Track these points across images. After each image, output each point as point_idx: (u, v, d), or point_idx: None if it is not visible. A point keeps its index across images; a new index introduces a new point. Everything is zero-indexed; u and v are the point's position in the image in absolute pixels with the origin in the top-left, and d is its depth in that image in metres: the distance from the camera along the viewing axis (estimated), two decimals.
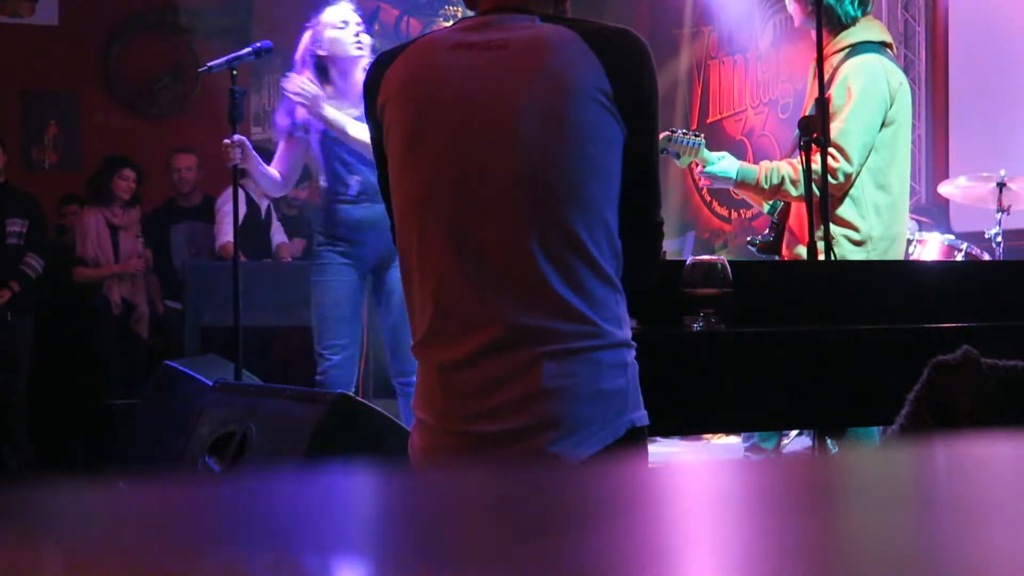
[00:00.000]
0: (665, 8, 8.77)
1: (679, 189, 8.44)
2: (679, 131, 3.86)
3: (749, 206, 6.69)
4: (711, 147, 3.87)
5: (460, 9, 8.37)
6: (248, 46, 4.40)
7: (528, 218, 1.89)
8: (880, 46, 3.70)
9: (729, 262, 2.50)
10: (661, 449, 5.42)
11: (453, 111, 1.94)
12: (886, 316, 2.83)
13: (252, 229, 6.47)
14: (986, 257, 4.70)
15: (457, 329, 1.92)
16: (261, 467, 3.01)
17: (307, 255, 7.16)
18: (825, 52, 3.49)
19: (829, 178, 3.41)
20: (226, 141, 4.18)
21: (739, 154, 4.63)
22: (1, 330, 6.25)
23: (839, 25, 3.67)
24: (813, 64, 3.50)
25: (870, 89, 3.59)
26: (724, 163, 3.78)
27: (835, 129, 3.48)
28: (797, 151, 3.48)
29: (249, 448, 3.09)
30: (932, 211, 6.23)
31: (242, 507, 0.57)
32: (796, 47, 7.14)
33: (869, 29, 3.71)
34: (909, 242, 4.21)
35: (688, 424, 2.85)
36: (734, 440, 5.57)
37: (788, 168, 3.65)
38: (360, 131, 4.17)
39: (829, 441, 3.25)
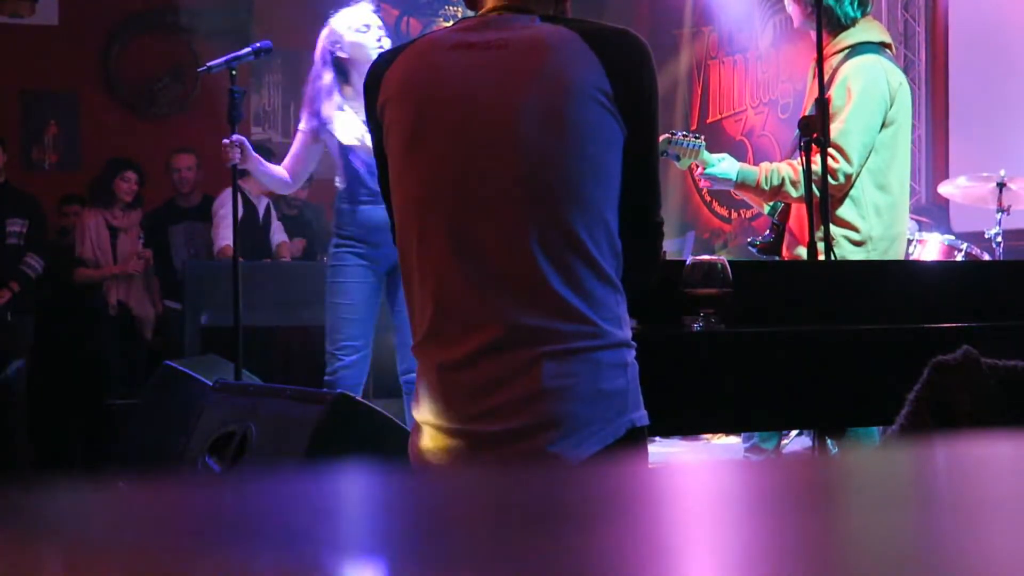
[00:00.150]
0: (665, 8, 8.77)
1: (679, 189, 8.44)
2: (679, 133, 3.86)
3: (749, 207, 6.69)
4: (711, 147, 3.87)
5: (460, 9, 8.37)
6: (248, 46, 4.39)
7: (528, 218, 1.89)
8: (880, 47, 3.70)
9: (729, 262, 2.50)
10: (661, 449, 5.42)
11: (453, 111, 1.94)
12: (886, 316, 2.83)
13: (250, 230, 6.46)
14: (986, 257, 4.69)
15: (457, 329, 1.92)
16: (261, 467, 3.01)
17: (307, 255, 7.17)
18: (825, 53, 3.49)
19: (829, 179, 3.41)
20: (225, 141, 4.17)
21: (739, 154, 4.64)
22: (1, 330, 6.25)
23: (839, 26, 3.67)
24: (813, 64, 3.50)
25: (870, 90, 3.59)
26: (724, 165, 3.79)
27: (835, 130, 3.48)
28: (797, 151, 3.48)
29: (249, 448, 3.09)
30: (932, 211, 6.23)
31: (242, 507, 0.57)
32: (796, 47, 7.14)
33: (869, 30, 3.72)
34: (909, 242, 4.21)
35: (688, 424, 2.85)
36: (734, 440, 5.57)
37: (788, 169, 3.65)
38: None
39: (829, 441, 3.25)
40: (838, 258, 3.46)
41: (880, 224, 3.62)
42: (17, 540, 0.47)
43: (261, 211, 6.78)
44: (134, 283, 6.86)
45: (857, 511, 0.56)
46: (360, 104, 4.15)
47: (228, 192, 6.59)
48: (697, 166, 3.85)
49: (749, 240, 4.08)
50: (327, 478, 0.64)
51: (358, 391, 4.10)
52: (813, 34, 3.45)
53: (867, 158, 3.60)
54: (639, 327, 2.12)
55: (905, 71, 4.64)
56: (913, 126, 5.09)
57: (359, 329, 4.17)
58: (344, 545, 0.48)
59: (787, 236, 3.81)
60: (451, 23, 3.10)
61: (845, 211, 3.61)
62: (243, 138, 4.21)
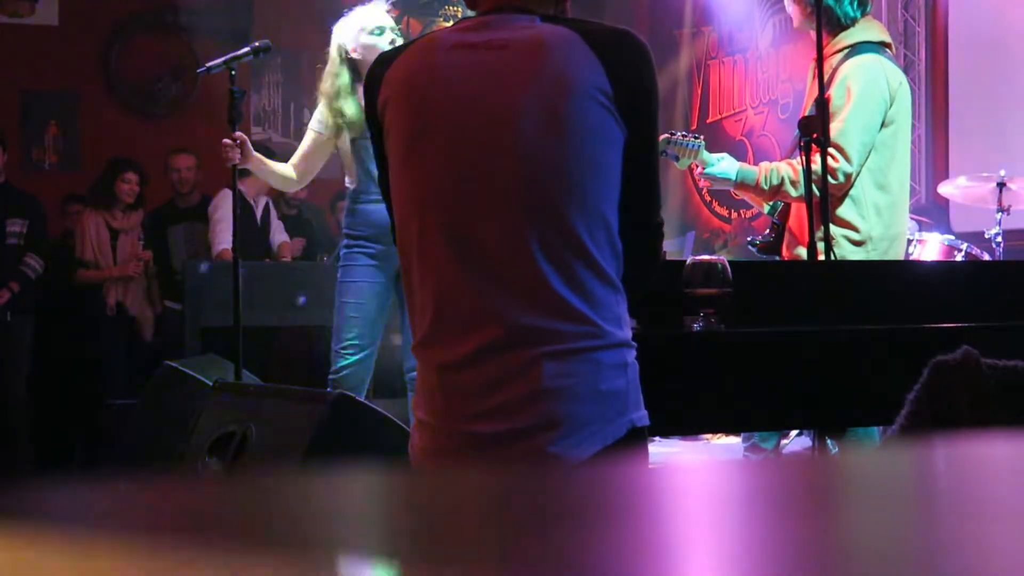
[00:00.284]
0: (665, 8, 8.77)
1: (679, 189, 8.44)
2: (678, 133, 3.86)
3: (749, 206, 6.69)
4: (711, 147, 3.88)
5: (460, 9, 8.37)
6: (247, 46, 4.38)
7: (528, 218, 1.89)
8: (879, 46, 3.71)
9: (729, 262, 2.50)
10: (661, 449, 5.42)
11: (453, 111, 1.94)
12: (886, 316, 2.83)
13: (247, 232, 6.46)
14: (986, 257, 4.69)
15: (457, 329, 1.92)
16: (261, 467, 3.01)
17: (307, 254, 7.17)
18: (824, 52, 3.49)
19: (829, 178, 3.41)
20: (226, 141, 4.17)
21: (739, 154, 4.64)
22: (1, 330, 6.25)
23: (838, 26, 3.67)
24: (813, 64, 3.50)
25: (869, 89, 3.59)
26: (723, 164, 3.79)
27: (835, 129, 3.48)
28: (797, 151, 3.48)
29: (249, 448, 3.09)
30: (932, 211, 6.23)
31: (242, 507, 0.57)
32: (796, 47, 7.14)
33: (868, 29, 3.72)
34: (909, 242, 4.21)
35: (688, 424, 2.85)
36: (734, 440, 5.57)
37: (788, 169, 3.65)
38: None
39: (829, 441, 3.25)
40: (838, 258, 3.46)
41: (880, 224, 3.62)
42: (17, 540, 0.47)
43: (259, 212, 6.77)
44: (133, 284, 6.86)
45: (857, 511, 0.56)
46: None
47: (223, 194, 6.61)
48: (696, 166, 3.85)
49: (749, 240, 4.08)
50: (327, 478, 0.64)
51: (362, 390, 4.09)
52: (813, 34, 3.45)
53: (867, 157, 3.60)
54: (639, 327, 2.12)
55: (905, 71, 4.63)
56: (913, 126, 5.10)
57: (365, 329, 4.16)
58: (344, 545, 0.48)
59: (787, 236, 3.81)
60: (451, 23, 3.10)
61: (845, 211, 3.61)
62: (244, 136, 4.20)
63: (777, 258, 3.83)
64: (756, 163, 3.81)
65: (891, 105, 3.63)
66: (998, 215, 4.96)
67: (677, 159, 3.82)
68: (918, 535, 0.51)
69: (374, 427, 3.07)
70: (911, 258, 4.28)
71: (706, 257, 2.51)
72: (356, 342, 4.15)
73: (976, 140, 6.53)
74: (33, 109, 8.47)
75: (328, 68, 4.22)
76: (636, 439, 1.94)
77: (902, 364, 1.67)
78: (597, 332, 1.90)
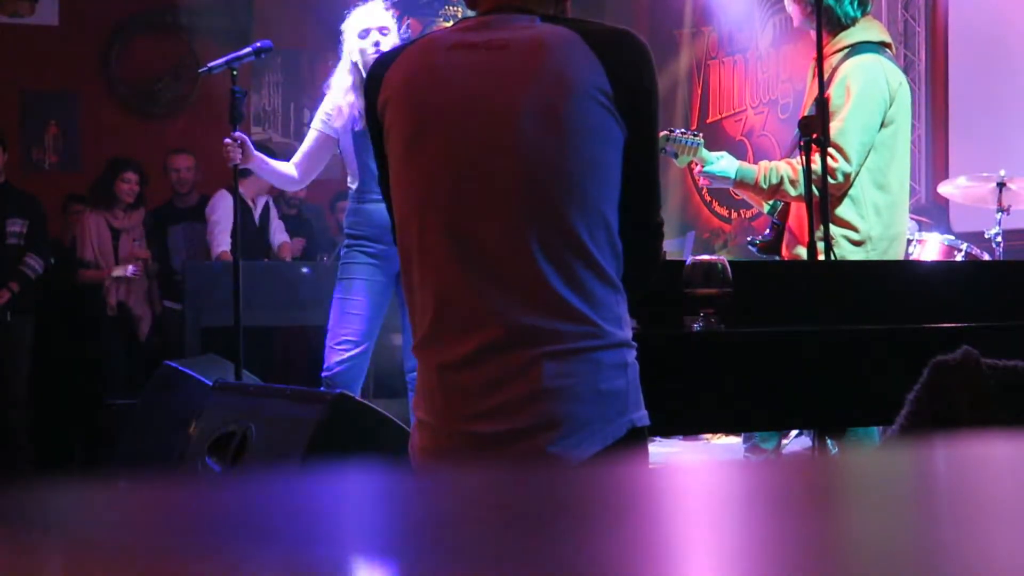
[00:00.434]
0: (665, 8, 8.77)
1: (679, 189, 8.44)
2: (677, 131, 3.86)
3: (749, 206, 6.69)
4: (711, 147, 3.87)
5: (460, 9, 8.37)
6: (248, 46, 4.38)
7: (528, 218, 1.89)
8: (879, 46, 3.71)
9: (729, 262, 2.50)
10: (661, 449, 5.42)
11: (453, 111, 1.94)
12: (886, 316, 2.83)
13: (245, 233, 6.46)
14: (986, 257, 4.69)
15: (457, 329, 1.92)
16: (261, 467, 3.01)
17: (307, 254, 7.17)
18: (824, 52, 3.49)
19: (828, 178, 3.41)
20: (226, 141, 4.17)
21: (739, 154, 4.64)
22: (1, 330, 6.25)
23: (838, 25, 3.67)
24: (813, 64, 3.50)
25: (869, 89, 3.59)
26: (723, 163, 3.78)
27: (834, 129, 3.48)
28: (797, 151, 3.48)
29: (249, 448, 3.09)
30: (932, 211, 6.23)
31: (242, 507, 0.57)
32: (796, 47, 7.14)
33: (868, 29, 3.72)
34: (909, 242, 4.21)
35: (688, 424, 2.85)
36: (734, 440, 5.56)
37: (787, 168, 3.65)
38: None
39: (829, 441, 3.25)
40: (838, 258, 3.46)
41: (879, 224, 3.62)
42: (17, 540, 0.47)
43: (257, 212, 6.77)
44: (134, 284, 6.86)
45: (857, 511, 0.56)
46: None
47: (219, 195, 6.61)
48: (695, 164, 3.85)
49: (749, 239, 4.08)
50: (327, 478, 0.64)
51: (355, 388, 4.09)
52: (813, 34, 3.45)
53: (866, 157, 3.60)
54: (639, 327, 2.12)
55: (905, 71, 4.64)
56: (913, 126, 5.10)
57: (361, 326, 4.15)
58: (344, 545, 0.48)
59: (787, 235, 3.81)
60: (451, 23, 3.10)
61: (844, 211, 3.61)
62: (244, 136, 4.21)
63: (777, 258, 3.83)
64: (756, 163, 3.81)
65: (891, 105, 3.62)
66: (998, 215, 4.95)
67: (676, 156, 3.82)
68: (918, 535, 0.51)
69: (374, 427, 3.07)
70: (911, 258, 4.28)
71: (706, 257, 2.51)
72: (351, 338, 4.14)
73: (976, 140, 6.52)
74: (33, 109, 8.47)
75: (337, 67, 4.25)
76: (636, 439, 1.94)
77: (902, 364, 1.67)
78: (597, 332, 1.90)
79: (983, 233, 5.05)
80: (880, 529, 0.50)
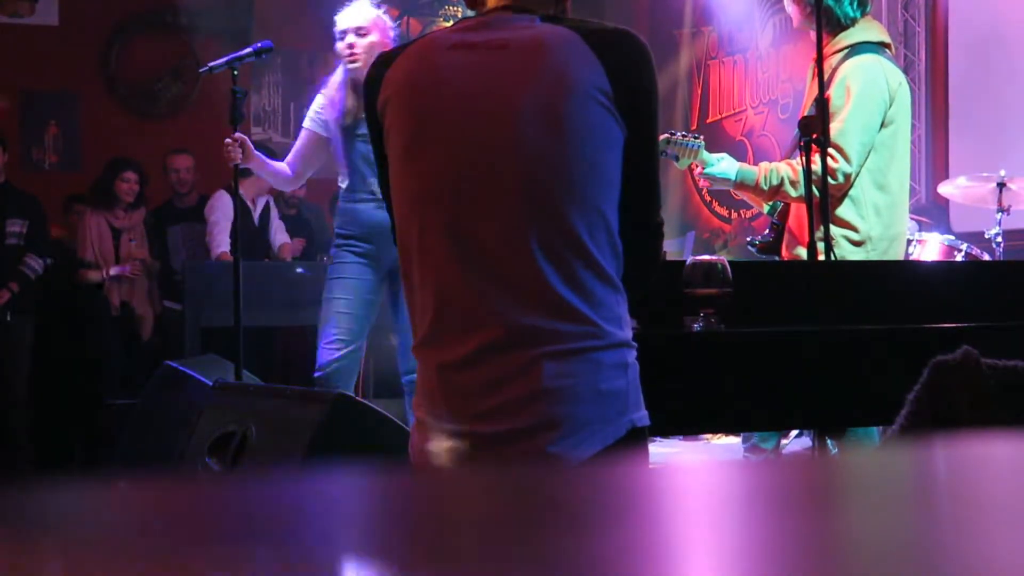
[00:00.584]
0: (665, 8, 8.77)
1: (679, 189, 8.44)
2: (678, 133, 3.86)
3: (749, 206, 6.69)
4: (711, 147, 3.88)
5: (460, 9, 8.37)
6: (248, 46, 4.39)
7: (528, 218, 1.89)
8: (879, 46, 3.71)
9: (729, 262, 2.50)
10: (661, 449, 5.42)
11: (453, 111, 1.94)
12: (886, 316, 2.83)
13: (244, 233, 6.46)
14: (986, 257, 4.69)
15: (457, 329, 1.92)
16: (261, 467, 3.01)
17: (307, 254, 7.17)
18: (824, 52, 3.49)
19: (828, 178, 3.41)
20: (227, 141, 4.17)
21: (739, 154, 4.64)
22: (1, 330, 6.25)
23: (838, 26, 3.67)
24: (813, 64, 3.50)
25: (869, 89, 3.59)
26: (723, 164, 3.79)
27: (834, 129, 3.48)
28: (797, 151, 3.48)
29: (249, 448, 3.09)
30: (932, 211, 6.23)
31: (242, 507, 0.57)
32: (796, 47, 7.14)
33: (868, 30, 3.72)
34: (909, 242, 4.21)
35: (688, 424, 2.85)
36: (734, 440, 5.57)
37: (787, 169, 3.65)
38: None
39: (829, 441, 3.25)
40: (838, 258, 3.46)
41: (879, 224, 3.62)
42: (17, 540, 0.47)
43: (257, 213, 6.77)
44: (137, 284, 6.86)
45: (857, 511, 0.56)
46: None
47: (218, 196, 6.61)
48: (696, 166, 3.85)
49: (749, 240, 4.08)
50: (327, 478, 0.64)
51: (348, 387, 4.09)
52: (813, 34, 3.45)
53: (866, 158, 3.60)
54: (639, 327, 2.12)
55: (905, 71, 4.64)
56: (913, 126, 5.10)
57: (351, 324, 4.16)
58: (344, 545, 0.48)
59: (787, 236, 3.81)
60: (451, 23, 3.10)
61: (844, 211, 3.61)
62: (244, 136, 4.21)
63: (777, 258, 3.83)
64: (756, 163, 3.81)
65: (891, 105, 3.63)
66: (998, 215, 4.96)
67: (677, 159, 3.83)
68: (918, 535, 0.51)
69: (374, 427, 3.07)
70: (911, 258, 4.29)
71: (706, 257, 2.51)
72: (342, 337, 4.14)
73: (976, 140, 6.52)
74: (33, 109, 8.47)
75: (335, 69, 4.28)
76: (636, 439, 1.94)
77: (902, 364, 1.67)
78: (597, 332, 1.90)
79: (983, 233, 5.05)
80: (880, 529, 0.50)
